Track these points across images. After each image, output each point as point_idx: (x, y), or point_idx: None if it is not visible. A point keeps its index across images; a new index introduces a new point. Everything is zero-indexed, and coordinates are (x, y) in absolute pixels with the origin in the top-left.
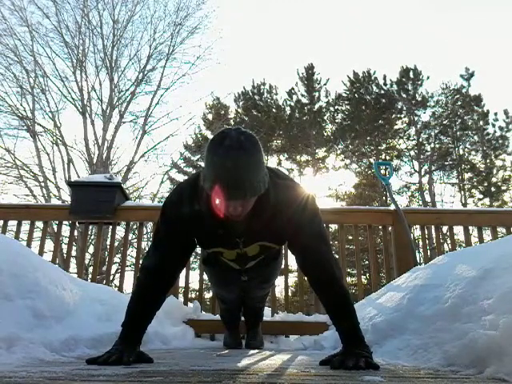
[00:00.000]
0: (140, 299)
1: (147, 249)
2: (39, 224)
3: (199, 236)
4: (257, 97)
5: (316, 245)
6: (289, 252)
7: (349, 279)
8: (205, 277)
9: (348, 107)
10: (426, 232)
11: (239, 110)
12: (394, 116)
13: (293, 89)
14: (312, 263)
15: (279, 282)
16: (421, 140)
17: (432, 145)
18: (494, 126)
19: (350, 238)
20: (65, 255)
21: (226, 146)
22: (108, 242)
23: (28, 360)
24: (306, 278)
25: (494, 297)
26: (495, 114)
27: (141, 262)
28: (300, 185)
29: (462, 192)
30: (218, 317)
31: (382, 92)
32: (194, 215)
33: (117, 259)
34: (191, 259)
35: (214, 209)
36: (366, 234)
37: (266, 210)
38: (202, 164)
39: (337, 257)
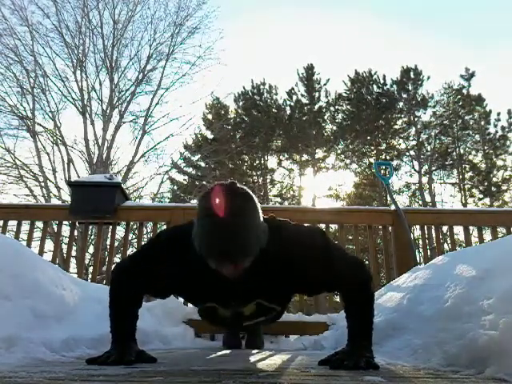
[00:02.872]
0: (119, 304)
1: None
2: (39, 224)
3: (190, 290)
4: (257, 97)
5: (339, 283)
6: None
7: None
8: None
9: (348, 107)
10: (426, 232)
11: (239, 110)
12: (394, 116)
13: (293, 89)
14: (342, 293)
15: None
16: (421, 140)
17: (432, 145)
18: (495, 125)
19: (350, 237)
20: (65, 255)
21: (215, 209)
22: (108, 242)
23: (28, 360)
24: None
25: (494, 297)
26: (498, 113)
27: None
28: (305, 229)
29: (462, 192)
30: None
31: (383, 92)
32: (187, 267)
33: (117, 259)
34: None
35: (209, 269)
36: (366, 234)
37: (266, 267)
38: (202, 164)
39: None
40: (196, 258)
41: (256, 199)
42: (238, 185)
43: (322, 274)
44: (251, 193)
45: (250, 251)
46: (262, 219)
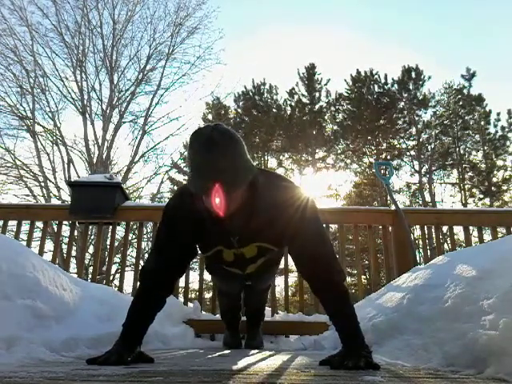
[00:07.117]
0: (140, 301)
1: (147, 249)
2: (39, 224)
3: (200, 236)
4: (257, 97)
5: (315, 246)
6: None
7: (349, 279)
8: (205, 277)
9: (349, 107)
10: (426, 232)
11: (239, 110)
12: (395, 115)
13: (293, 89)
14: (310, 265)
15: (279, 281)
16: (421, 140)
17: (432, 145)
18: (495, 125)
19: (350, 237)
20: (65, 255)
21: (198, 144)
22: (108, 242)
23: (28, 360)
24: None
25: (493, 297)
26: (498, 114)
27: (141, 262)
28: (300, 187)
29: (463, 192)
30: (217, 317)
31: (384, 91)
32: (194, 215)
33: (117, 259)
34: None
35: (203, 206)
36: (366, 234)
37: (261, 209)
38: None
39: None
40: (199, 205)
41: (240, 138)
42: (223, 125)
43: (296, 226)
44: (235, 132)
45: (236, 182)
46: (249, 159)
